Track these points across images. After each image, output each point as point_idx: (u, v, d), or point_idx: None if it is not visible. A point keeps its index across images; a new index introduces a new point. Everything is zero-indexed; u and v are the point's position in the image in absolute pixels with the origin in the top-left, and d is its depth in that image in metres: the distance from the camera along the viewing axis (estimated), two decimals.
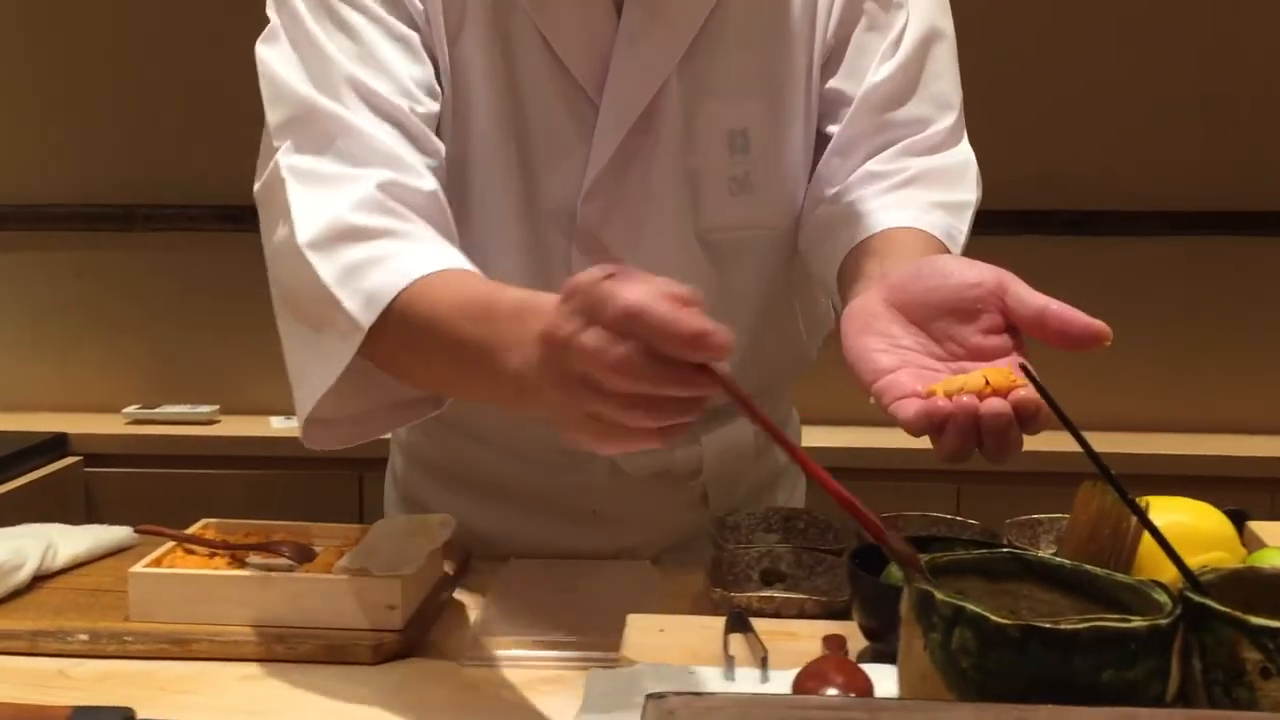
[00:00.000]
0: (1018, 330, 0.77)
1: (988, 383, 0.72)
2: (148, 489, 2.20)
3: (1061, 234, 2.41)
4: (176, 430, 2.35)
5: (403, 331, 0.84)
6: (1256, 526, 0.95)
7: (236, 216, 2.46)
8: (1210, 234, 2.42)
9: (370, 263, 0.86)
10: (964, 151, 1.07)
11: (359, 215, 0.88)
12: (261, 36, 1.00)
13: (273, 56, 0.98)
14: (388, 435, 1.25)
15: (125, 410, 2.40)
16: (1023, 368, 0.70)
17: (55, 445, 2.27)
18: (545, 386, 0.70)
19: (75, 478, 2.26)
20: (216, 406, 2.42)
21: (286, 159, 0.92)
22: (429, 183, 0.94)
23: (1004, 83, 2.35)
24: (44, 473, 2.20)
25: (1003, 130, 2.40)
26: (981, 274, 0.78)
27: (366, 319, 0.84)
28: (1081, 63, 2.41)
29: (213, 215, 2.48)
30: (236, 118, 2.41)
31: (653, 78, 1.00)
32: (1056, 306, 0.75)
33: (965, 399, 0.71)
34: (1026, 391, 0.72)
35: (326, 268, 0.87)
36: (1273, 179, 2.41)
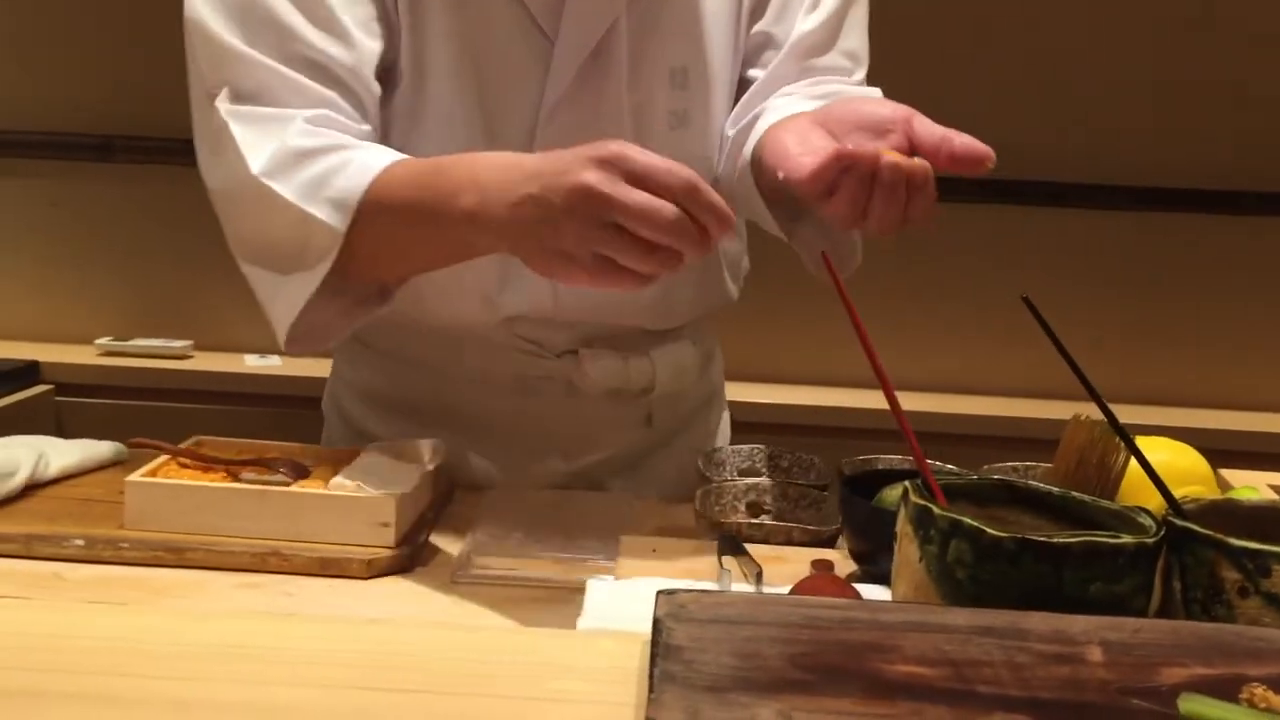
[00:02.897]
0: (918, 154, 0.88)
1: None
2: (119, 420, 2.19)
3: (1033, 204, 2.45)
4: (149, 364, 2.34)
5: (367, 225, 0.92)
6: (1226, 473, 0.99)
7: None
8: (1181, 211, 2.47)
9: (329, 173, 0.93)
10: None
11: (302, 140, 0.95)
12: None
13: (200, 2, 1.00)
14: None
15: (98, 341, 2.38)
16: (1024, 300, 0.73)
17: (26, 373, 2.25)
18: (560, 221, 0.80)
19: (46, 406, 2.25)
20: (190, 342, 2.41)
21: (224, 105, 0.97)
22: (361, 123, 1.01)
23: (981, 50, 2.38)
24: (14, 399, 2.18)
25: (979, 98, 2.44)
26: (895, 107, 0.91)
27: (342, 223, 0.92)
28: (1060, 34, 2.44)
29: (191, 149, 2.45)
30: None
31: (605, 16, 1.06)
32: (958, 139, 0.87)
33: (868, 148, 0.83)
34: (921, 163, 0.84)
35: (288, 189, 0.94)
36: (1242, 159, 2.46)
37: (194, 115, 1.02)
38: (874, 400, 2.39)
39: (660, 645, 0.56)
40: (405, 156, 0.96)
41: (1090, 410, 0.79)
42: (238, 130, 0.96)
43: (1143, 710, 0.53)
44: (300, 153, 0.94)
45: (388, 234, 0.93)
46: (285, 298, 0.97)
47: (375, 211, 0.92)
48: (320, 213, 0.92)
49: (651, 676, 0.53)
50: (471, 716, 0.60)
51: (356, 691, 0.64)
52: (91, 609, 0.79)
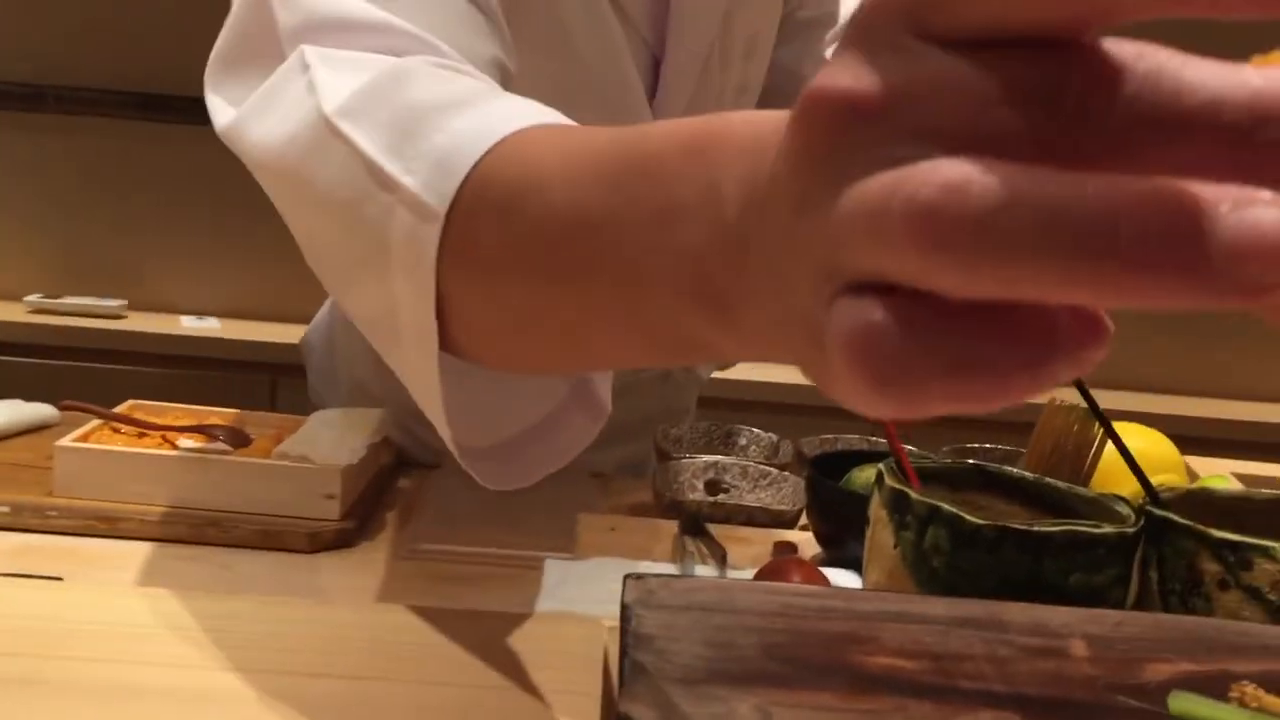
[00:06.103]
0: None
1: None
2: (49, 381, 2.12)
3: None
4: (81, 323, 2.27)
5: (492, 225, 0.49)
6: (1190, 460, 0.98)
7: (153, 105, 2.37)
8: None
9: (434, 112, 0.53)
10: None
11: (411, 62, 0.59)
12: None
13: None
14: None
15: (27, 299, 2.31)
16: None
17: None
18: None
19: None
20: (124, 301, 2.34)
21: (315, 49, 0.61)
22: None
23: None
24: None
25: None
26: None
27: (441, 196, 0.50)
28: None
29: (128, 102, 2.38)
30: (161, 3, 2.33)
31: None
32: None
33: None
34: None
35: (364, 136, 0.55)
36: None
37: (224, 85, 0.68)
38: None
39: (630, 634, 0.53)
40: (560, 120, 0.53)
41: (1065, 394, 0.77)
42: (321, 72, 0.59)
43: (1132, 709, 0.51)
44: (402, 74, 0.57)
45: (507, 248, 0.49)
46: (419, 383, 0.56)
47: (493, 201, 0.49)
48: (409, 177, 0.52)
49: (622, 668, 0.50)
50: (428, 705, 0.57)
51: (303, 678, 0.61)
52: (17, 583, 0.74)
